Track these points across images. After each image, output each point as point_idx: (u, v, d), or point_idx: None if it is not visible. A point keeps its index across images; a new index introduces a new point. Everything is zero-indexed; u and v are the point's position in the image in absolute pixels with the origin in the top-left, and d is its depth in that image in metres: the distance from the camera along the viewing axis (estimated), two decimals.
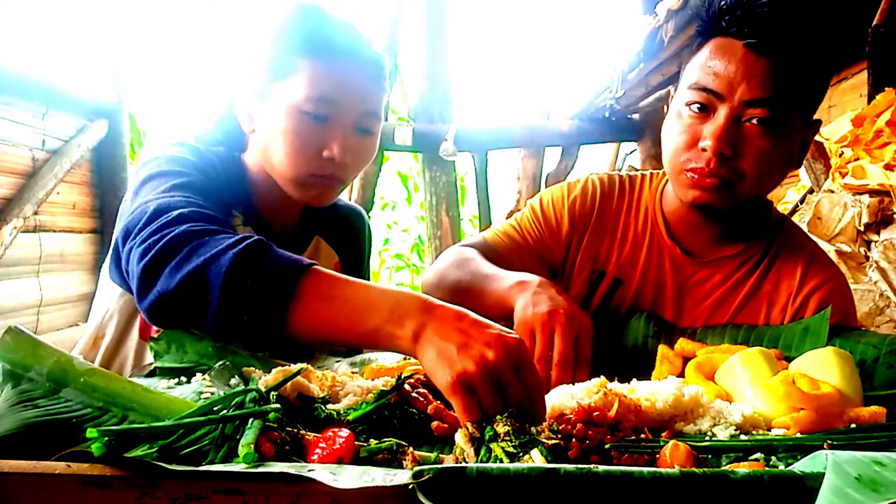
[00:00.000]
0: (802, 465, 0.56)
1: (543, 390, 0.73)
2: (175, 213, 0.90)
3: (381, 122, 1.19)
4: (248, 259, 0.81)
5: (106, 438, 0.58)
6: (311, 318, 0.79)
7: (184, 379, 0.87)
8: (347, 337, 0.79)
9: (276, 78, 1.10)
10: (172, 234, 0.86)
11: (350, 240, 1.39)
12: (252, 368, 0.89)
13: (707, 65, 1.05)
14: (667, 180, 1.24)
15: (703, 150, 1.05)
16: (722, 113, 1.03)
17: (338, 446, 0.64)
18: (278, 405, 0.69)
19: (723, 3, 1.04)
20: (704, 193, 1.07)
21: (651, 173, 1.29)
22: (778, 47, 1.00)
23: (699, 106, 1.06)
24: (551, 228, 1.27)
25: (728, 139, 1.03)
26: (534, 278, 1.04)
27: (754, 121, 1.02)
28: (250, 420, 0.65)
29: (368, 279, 1.44)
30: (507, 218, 1.37)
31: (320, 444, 0.64)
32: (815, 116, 1.12)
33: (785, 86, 1.01)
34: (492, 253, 1.24)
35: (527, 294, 1.00)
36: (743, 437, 0.71)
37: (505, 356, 0.68)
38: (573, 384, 0.85)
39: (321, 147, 1.11)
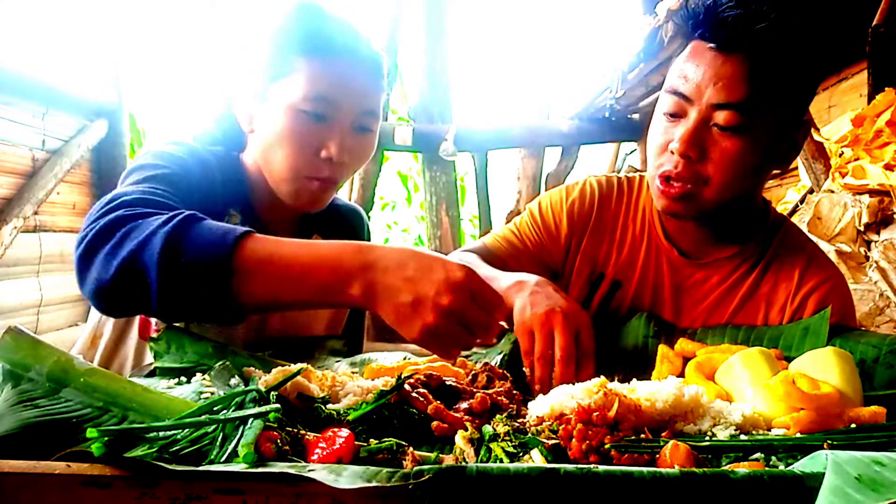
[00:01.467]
0: (802, 465, 0.56)
1: (499, 305, 0.79)
2: (118, 200, 0.88)
3: (380, 120, 1.19)
4: (179, 236, 0.79)
5: (106, 438, 0.58)
6: (255, 287, 0.78)
7: (184, 379, 0.87)
8: (295, 299, 0.80)
9: (275, 78, 1.10)
10: (106, 220, 0.84)
11: (348, 239, 1.39)
12: (252, 368, 0.89)
13: (681, 69, 1.05)
14: None
15: (672, 152, 1.05)
16: (691, 116, 1.03)
17: (338, 446, 0.64)
18: (278, 405, 0.69)
19: (693, 5, 1.04)
20: (670, 203, 1.08)
21: None
22: (745, 49, 0.99)
23: (672, 110, 1.06)
24: (550, 232, 1.27)
25: (694, 142, 1.03)
26: (531, 278, 1.04)
27: (722, 124, 1.01)
28: (250, 420, 0.65)
29: None
30: (507, 219, 1.38)
31: (320, 444, 0.64)
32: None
33: (755, 89, 1.00)
34: (492, 257, 1.24)
35: (524, 294, 1.00)
36: (743, 437, 0.71)
37: (457, 296, 0.73)
38: (577, 380, 0.85)
39: (319, 147, 1.10)
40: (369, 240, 1.47)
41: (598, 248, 1.25)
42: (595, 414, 0.69)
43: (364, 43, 1.15)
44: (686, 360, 0.97)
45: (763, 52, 0.99)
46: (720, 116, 1.01)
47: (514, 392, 0.88)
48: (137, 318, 1.19)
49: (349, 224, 1.40)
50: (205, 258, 0.78)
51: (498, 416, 0.75)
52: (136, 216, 0.84)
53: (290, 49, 1.09)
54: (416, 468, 0.51)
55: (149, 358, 1.15)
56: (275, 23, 1.13)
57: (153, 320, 1.17)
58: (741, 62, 1.00)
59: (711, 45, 1.01)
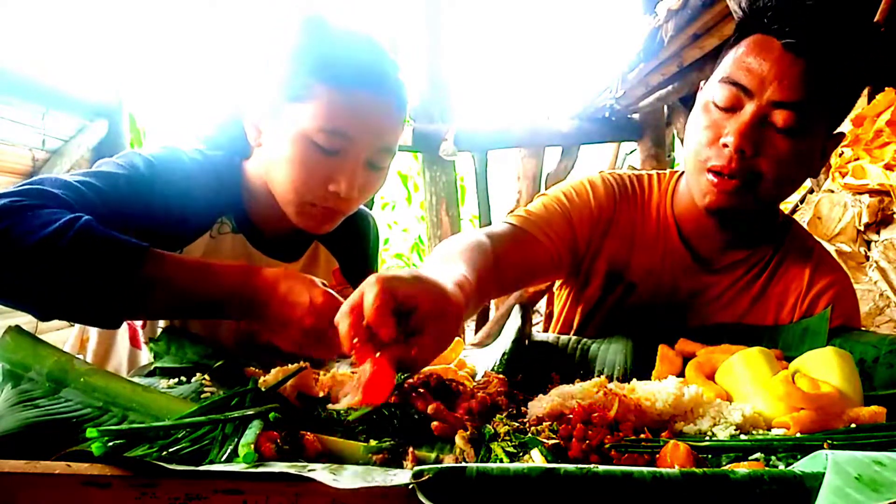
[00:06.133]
0: (802, 465, 0.56)
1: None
2: (35, 187, 0.88)
3: (395, 154, 1.11)
4: (90, 231, 0.82)
5: (106, 438, 0.58)
6: (148, 297, 0.86)
7: (184, 379, 0.87)
8: (175, 313, 0.97)
9: (290, 98, 1.03)
10: (13, 199, 0.83)
11: (353, 244, 1.33)
12: (252, 368, 0.89)
13: (742, 60, 1.03)
14: (677, 181, 1.22)
15: (725, 146, 1.03)
16: (748, 110, 1.01)
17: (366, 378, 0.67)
18: (278, 405, 0.69)
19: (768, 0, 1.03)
20: (722, 197, 1.05)
21: (658, 174, 1.26)
22: (816, 50, 0.98)
23: (727, 101, 1.03)
24: (581, 215, 1.19)
25: (751, 137, 1.01)
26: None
27: (779, 123, 1.00)
28: (250, 420, 0.65)
29: None
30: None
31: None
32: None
33: (816, 92, 0.99)
34: (523, 235, 1.13)
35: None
36: (743, 437, 0.71)
37: (317, 321, 0.86)
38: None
39: (327, 180, 1.05)
40: (376, 243, 1.41)
41: (616, 248, 1.22)
42: (595, 414, 0.69)
43: (388, 73, 1.06)
44: (686, 359, 0.97)
45: (830, 57, 0.98)
46: (778, 115, 1.00)
47: (515, 392, 0.88)
48: (125, 323, 1.16)
49: (354, 228, 1.33)
50: (111, 263, 0.82)
51: (498, 416, 0.75)
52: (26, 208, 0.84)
53: (310, 72, 1.01)
54: (416, 468, 0.51)
55: (143, 362, 1.14)
56: (294, 39, 1.04)
57: (139, 328, 1.14)
58: (807, 63, 0.99)
59: (782, 41, 1.00)
